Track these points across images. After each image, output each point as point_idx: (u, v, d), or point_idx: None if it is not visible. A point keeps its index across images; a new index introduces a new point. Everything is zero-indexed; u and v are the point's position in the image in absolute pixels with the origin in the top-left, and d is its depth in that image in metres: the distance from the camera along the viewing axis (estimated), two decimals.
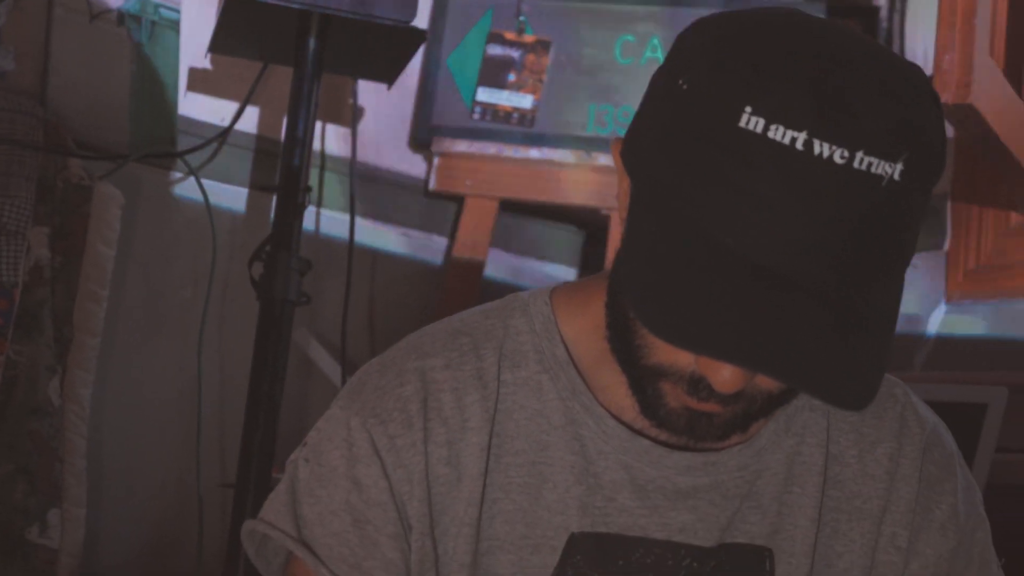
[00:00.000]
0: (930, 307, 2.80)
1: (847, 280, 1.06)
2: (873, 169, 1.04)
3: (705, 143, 1.05)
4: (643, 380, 1.15)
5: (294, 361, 2.34)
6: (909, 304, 2.82)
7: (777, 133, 1.03)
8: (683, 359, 1.12)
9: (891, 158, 1.04)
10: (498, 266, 2.91)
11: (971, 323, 2.76)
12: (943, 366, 2.71)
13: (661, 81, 1.12)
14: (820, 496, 1.26)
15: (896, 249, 1.08)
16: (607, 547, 1.22)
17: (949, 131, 2.77)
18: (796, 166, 1.03)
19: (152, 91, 2.56)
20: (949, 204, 2.83)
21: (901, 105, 1.05)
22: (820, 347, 1.05)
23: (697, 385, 1.12)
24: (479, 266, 2.89)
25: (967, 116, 2.41)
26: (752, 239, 1.04)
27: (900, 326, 2.95)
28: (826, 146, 1.03)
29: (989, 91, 2.41)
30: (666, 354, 1.13)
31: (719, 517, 1.23)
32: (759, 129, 1.04)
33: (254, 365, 2.28)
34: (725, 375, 1.08)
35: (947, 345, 2.77)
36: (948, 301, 2.80)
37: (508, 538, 1.22)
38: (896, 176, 1.04)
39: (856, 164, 1.03)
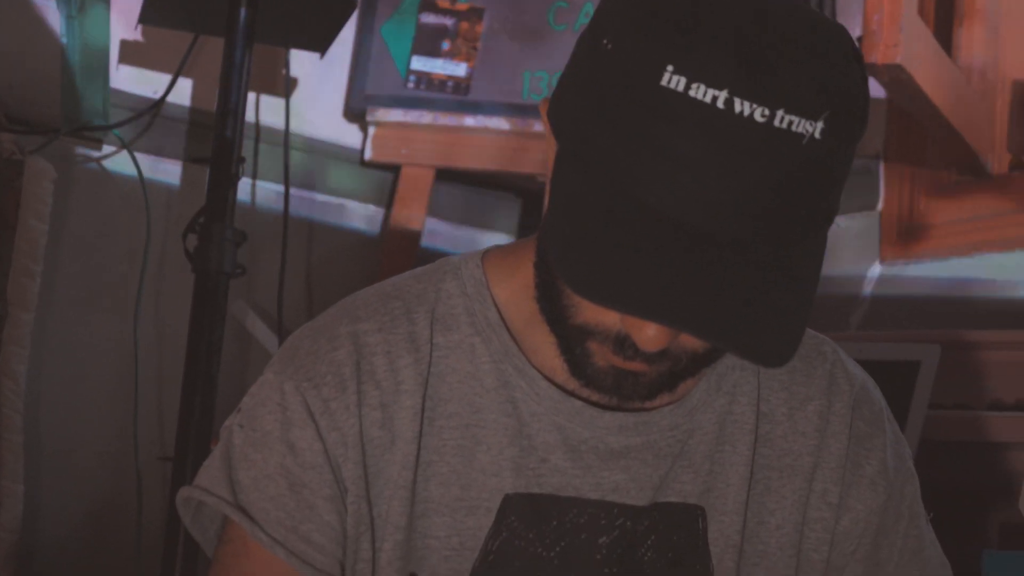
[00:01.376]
0: (864, 268, 2.82)
1: (769, 237, 1.07)
2: (794, 127, 1.04)
3: (628, 102, 1.06)
4: (571, 340, 1.16)
5: (231, 333, 2.34)
6: (844, 265, 2.84)
7: (698, 92, 1.04)
8: (609, 318, 1.13)
9: (812, 116, 1.04)
10: (435, 235, 2.91)
11: (905, 283, 2.78)
12: (878, 326, 2.74)
13: (586, 41, 1.12)
14: (751, 454, 1.27)
15: (818, 207, 1.08)
16: (541, 508, 1.23)
17: (880, 92, 2.78)
18: (717, 124, 1.04)
19: (83, 64, 2.54)
20: (882, 165, 2.85)
21: (823, 64, 1.06)
22: (742, 305, 1.06)
23: (623, 344, 1.13)
24: (416, 235, 2.89)
25: (897, 76, 2.43)
26: (674, 197, 1.05)
27: (836, 287, 2.98)
28: (747, 104, 1.03)
29: (918, 51, 2.43)
30: (592, 314, 1.14)
31: (652, 476, 1.24)
32: (681, 88, 1.04)
33: (190, 337, 2.27)
34: (649, 333, 1.09)
35: (882, 305, 2.79)
36: (882, 261, 2.82)
37: (443, 500, 1.23)
38: (817, 135, 1.05)
39: (777, 122, 1.04)
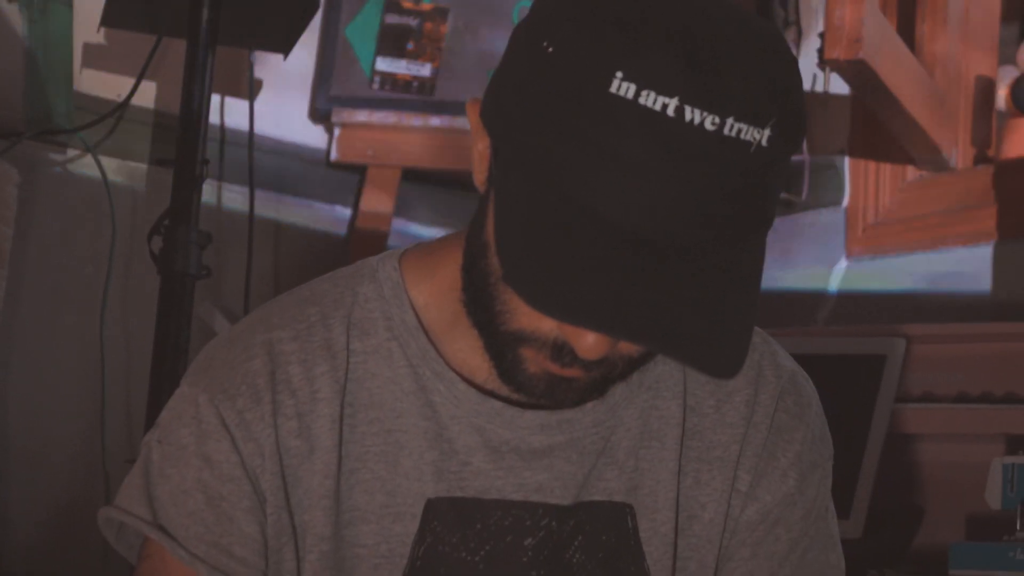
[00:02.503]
0: (831, 263, 2.83)
1: (716, 246, 1.06)
2: (743, 135, 1.04)
3: (575, 108, 1.05)
4: (502, 346, 1.15)
5: (199, 335, 2.33)
6: (810, 260, 2.85)
7: (648, 99, 1.03)
8: (546, 325, 1.12)
9: (760, 123, 1.05)
10: (403, 236, 2.91)
11: (872, 278, 2.79)
12: (845, 321, 2.75)
13: (523, 41, 1.11)
14: (680, 448, 1.26)
15: (761, 213, 1.08)
16: (464, 511, 1.22)
17: (844, 88, 2.79)
18: (667, 132, 1.03)
19: (46, 67, 2.53)
20: (847, 161, 2.86)
21: (768, 70, 1.06)
22: (689, 314, 1.05)
23: (560, 351, 1.12)
24: (383, 236, 2.89)
25: (860, 72, 2.43)
26: (623, 205, 1.04)
27: (802, 282, 2.98)
28: (697, 112, 1.03)
29: (881, 47, 2.44)
30: (529, 320, 1.13)
31: (575, 475, 1.23)
32: (630, 95, 1.04)
33: (156, 340, 2.27)
34: (590, 342, 1.08)
35: (849, 300, 2.80)
36: (849, 257, 2.83)
37: (369, 508, 1.22)
38: (764, 141, 1.05)
39: (727, 130, 1.04)
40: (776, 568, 1.29)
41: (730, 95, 1.03)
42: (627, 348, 1.13)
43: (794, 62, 1.09)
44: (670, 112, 1.03)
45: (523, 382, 1.16)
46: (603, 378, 1.16)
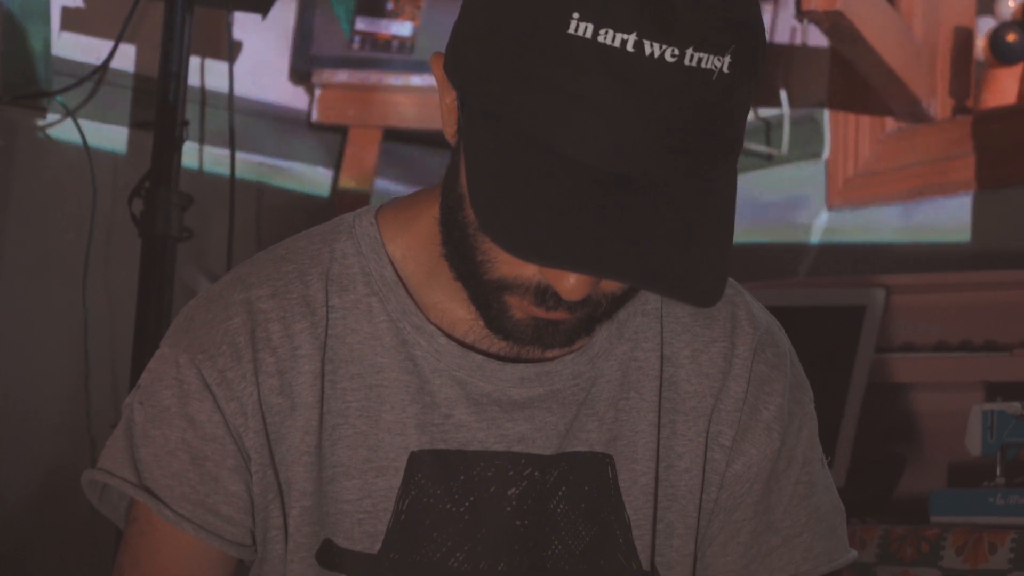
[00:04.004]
0: (812, 215, 2.84)
1: (687, 177, 1.07)
2: (703, 64, 1.05)
3: (535, 52, 1.06)
4: (487, 295, 1.16)
5: (182, 298, 2.33)
6: (791, 213, 2.86)
7: (607, 37, 1.04)
8: (528, 271, 1.13)
9: (719, 51, 1.06)
10: (385, 196, 2.91)
11: (852, 230, 2.79)
12: (827, 272, 2.75)
13: None
14: (658, 399, 1.27)
15: (729, 140, 1.09)
16: (447, 463, 1.23)
17: (822, 40, 2.79)
18: (628, 68, 1.04)
19: (24, 31, 2.52)
20: (826, 113, 2.86)
21: None
22: (665, 246, 1.07)
23: (544, 295, 1.14)
24: (365, 197, 2.89)
25: (837, 23, 2.43)
26: (590, 145, 1.05)
27: (783, 235, 2.98)
28: (656, 45, 1.04)
29: None
30: (510, 267, 1.13)
31: (557, 425, 1.24)
32: (588, 34, 1.04)
33: (139, 303, 2.27)
34: (571, 282, 1.09)
35: (829, 252, 2.80)
36: (830, 209, 2.83)
37: (351, 463, 1.23)
38: (725, 68, 1.06)
39: (687, 61, 1.05)
40: (778, 520, 1.30)
41: (687, 26, 1.04)
42: (609, 286, 1.14)
43: None
44: (629, 47, 1.04)
45: (511, 329, 1.17)
46: (589, 318, 1.17)
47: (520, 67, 1.07)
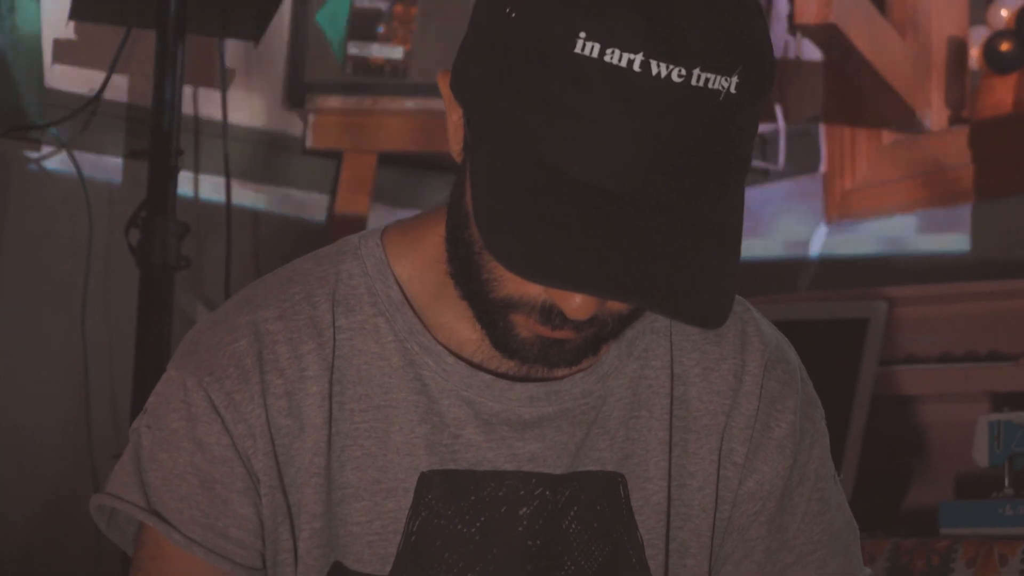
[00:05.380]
0: (810, 229, 2.84)
1: (693, 197, 1.07)
2: (710, 84, 1.05)
3: (542, 72, 1.06)
4: (493, 314, 1.15)
5: (181, 326, 2.33)
6: (790, 228, 2.86)
7: (614, 56, 1.04)
8: (533, 289, 1.12)
9: (726, 72, 1.05)
10: (381, 220, 2.90)
11: (851, 242, 2.80)
12: (827, 286, 2.75)
13: (486, 8, 1.11)
14: (669, 418, 1.26)
15: (736, 161, 1.09)
16: (458, 483, 1.22)
17: (816, 54, 2.80)
18: (634, 88, 1.04)
19: (16, 63, 2.52)
20: (822, 127, 2.86)
21: (729, 18, 1.06)
22: (670, 267, 1.06)
23: (549, 314, 1.13)
24: (362, 221, 2.89)
25: (831, 36, 2.44)
26: (596, 165, 1.05)
27: (782, 250, 2.99)
28: (663, 66, 1.04)
29: (851, 10, 2.44)
30: (516, 286, 1.13)
31: (568, 444, 1.23)
32: (595, 54, 1.04)
33: (138, 332, 2.27)
34: (577, 302, 1.09)
35: (830, 265, 2.81)
36: (828, 222, 2.84)
37: (360, 484, 1.22)
38: (732, 89, 1.05)
39: (694, 81, 1.04)
40: (792, 537, 1.29)
41: (694, 46, 1.04)
42: (616, 306, 1.14)
43: (757, 9, 1.10)
44: (636, 67, 1.04)
45: (516, 348, 1.16)
46: (595, 337, 1.16)
47: (526, 86, 1.06)
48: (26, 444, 2.50)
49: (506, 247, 1.06)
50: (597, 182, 1.05)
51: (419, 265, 1.24)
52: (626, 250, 1.05)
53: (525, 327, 1.15)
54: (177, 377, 1.23)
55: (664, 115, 1.04)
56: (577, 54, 1.04)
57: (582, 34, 1.04)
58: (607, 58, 1.04)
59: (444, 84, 1.15)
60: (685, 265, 1.06)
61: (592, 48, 1.04)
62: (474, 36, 1.12)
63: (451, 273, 1.18)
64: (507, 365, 1.22)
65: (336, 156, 2.90)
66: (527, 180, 1.06)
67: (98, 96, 2.58)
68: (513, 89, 1.07)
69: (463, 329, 1.22)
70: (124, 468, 1.25)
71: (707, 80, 1.04)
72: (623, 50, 1.03)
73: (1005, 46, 2.66)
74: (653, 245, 1.05)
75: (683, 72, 1.04)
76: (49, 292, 2.56)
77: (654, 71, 1.04)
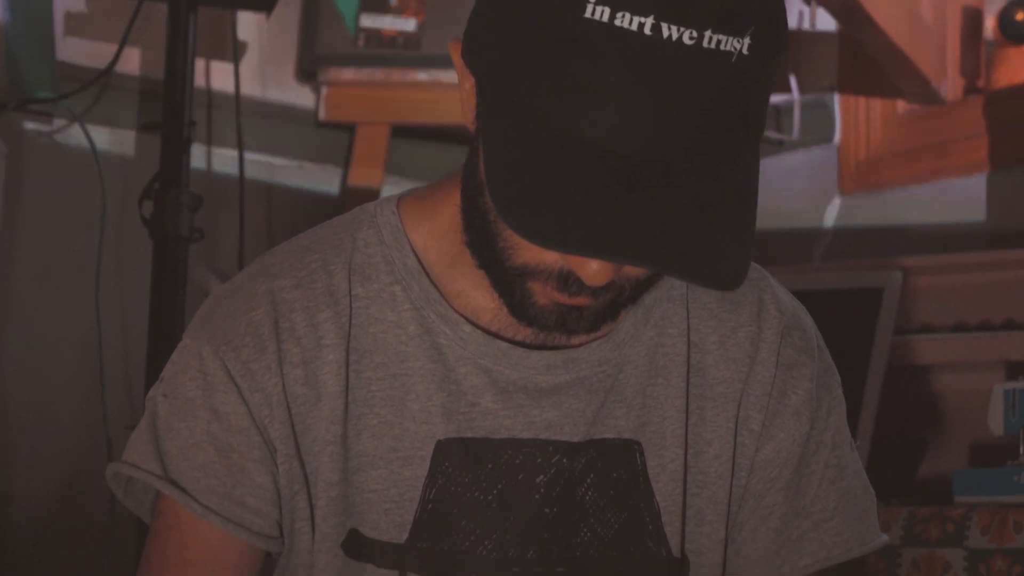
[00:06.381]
0: (825, 201, 2.83)
1: (706, 160, 1.06)
2: (722, 46, 1.04)
3: (552, 38, 1.05)
4: (510, 282, 1.15)
5: (196, 298, 2.33)
6: (804, 199, 2.85)
7: (624, 20, 1.03)
8: (550, 257, 1.12)
9: (739, 33, 1.04)
10: (394, 192, 2.90)
11: (866, 213, 2.79)
12: (842, 257, 2.75)
13: None
14: (686, 386, 1.26)
15: (751, 123, 1.08)
16: (475, 451, 1.22)
17: (831, 24, 2.78)
18: (646, 51, 1.03)
19: (28, 37, 2.51)
20: (836, 97, 2.85)
21: None
22: (684, 230, 1.06)
23: (566, 281, 1.13)
24: (375, 194, 2.88)
25: (846, 6, 2.43)
26: (608, 130, 1.04)
27: (797, 221, 2.99)
28: (674, 28, 1.03)
29: None
30: (532, 254, 1.13)
31: (585, 412, 1.23)
32: (605, 18, 1.03)
33: (152, 303, 2.27)
34: (594, 268, 1.08)
35: (844, 236, 2.80)
36: (842, 193, 2.83)
37: (377, 453, 1.22)
38: (744, 51, 1.05)
39: (706, 43, 1.04)
40: (808, 504, 1.29)
41: (704, 7, 1.03)
42: (632, 271, 1.13)
43: None
44: (647, 31, 1.03)
45: (535, 316, 1.16)
46: (613, 303, 1.16)
47: (536, 52, 1.06)
48: (41, 417, 2.50)
49: (520, 216, 1.05)
50: (610, 148, 1.05)
51: (435, 234, 1.24)
52: (641, 215, 1.04)
53: (543, 294, 1.15)
54: (193, 346, 1.24)
55: (676, 79, 1.04)
56: (587, 19, 1.04)
57: None
58: (617, 22, 1.03)
59: (456, 53, 1.15)
60: (701, 228, 1.06)
61: (602, 12, 1.03)
62: (483, 3, 1.12)
63: (467, 242, 1.18)
64: (524, 333, 1.22)
65: (349, 128, 2.90)
66: (539, 148, 1.06)
67: (110, 69, 2.57)
68: (523, 56, 1.06)
69: (479, 297, 1.22)
70: (140, 437, 1.25)
71: (719, 42, 1.04)
72: (633, 13, 1.03)
73: (1021, 15, 2.65)
74: (668, 209, 1.05)
75: (694, 34, 1.03)
76: (62, 264, 2.56)
77: (665, 34, 1.03)
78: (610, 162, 1.05)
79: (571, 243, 1.05)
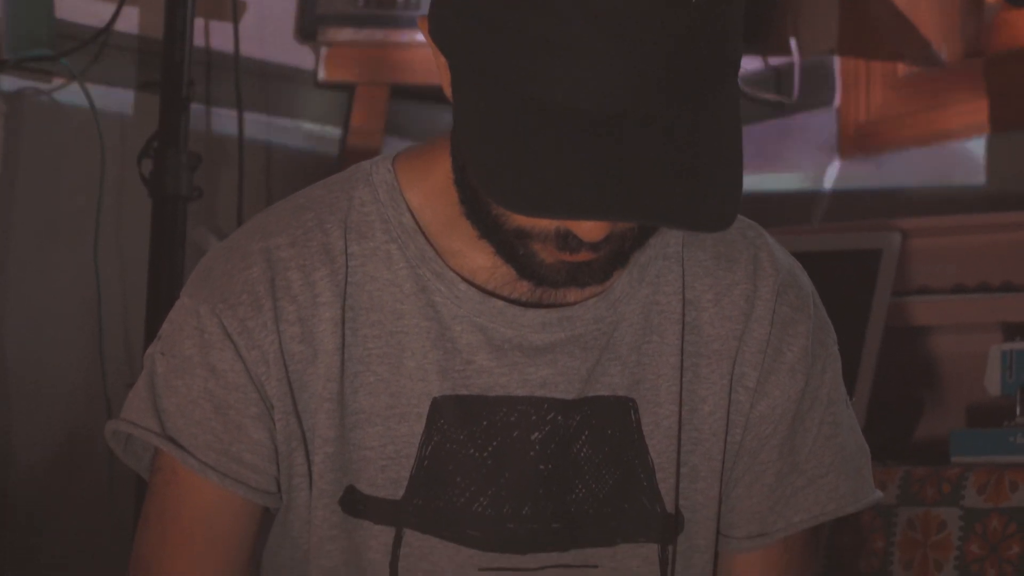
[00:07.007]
0: (824, 163, 2.83)
1: (680, 105, 1.06)
2: None
3: (510, 4, 1.05)
4: (512, 246, 1.16)
5: (194, 257, 2.33)
6: (804, 162, 2.85)
7: None
8: (544, 220, 1.12)
9: None
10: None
11: (865, 176, 2.79)
12: (841, 219, 2.74)
13: None
14: (680, 343, 1.26)
15: (721, 62, 1.08)
16: (470, 408, 1.23)
17: None
18: (605, 5, 1.03)
19: None
20: (836, 61, 2.85)
21: None
22: (667, 178, 1.05)
23: (566, 240, 1.13)
24: (374, 154, 2.88)
25: None
26: (578, 89, 1.04)
27: (796, 183, 2.98)
28: None
29: None
30: (525, 218, 1.13)
31: (579, 369, 1.24)
32: None
33: (151, 262, 2.28)
34: (589, 225, 1.09)
35: (843, 199, 2.80)
36: (842, 156, 2.83)
37: (373, 410, 1.23)
38: None
39: None
40: (803, 461, 1.29)
41: None
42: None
43: None
44: None
45: (544, 274, 1.17)
46: (619, 251, 1.16)
47: (498, 19, 1.06)
48: (40, 375, 2.51)
49: (502, 188, 1.05)
50: (583, 106, 1.04)
51: (430, 192, 1.24)
52: (622, 169, 1.04)
53: (547, 253, 1.15)
54: (190, 304, 1.24)
55: (639, 28, 1.03)
56: None
57: None
58: None
59: (424, 28, 1.15)
60: (682, 173, 1.06)
61: None
62: None
63: (465, 214, 1.18)
64: (520, 291, 1.22)
65: (349, 89, 2.89)
66: (513, 116, 1.05)
67: (109, 27, 2.56)
68: (485, 26, 1.06)
69: (475, 256, 1.22)
70: (139, 394, 1.25)
71: None
72: None
73: None
74: (646, 159, 1.05)
75: None
76: (61, 223, 2.56)
77: None
78: (583, 120, 1.04)
79: (551, 208, 1.05)
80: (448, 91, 1.14)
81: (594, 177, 1.04)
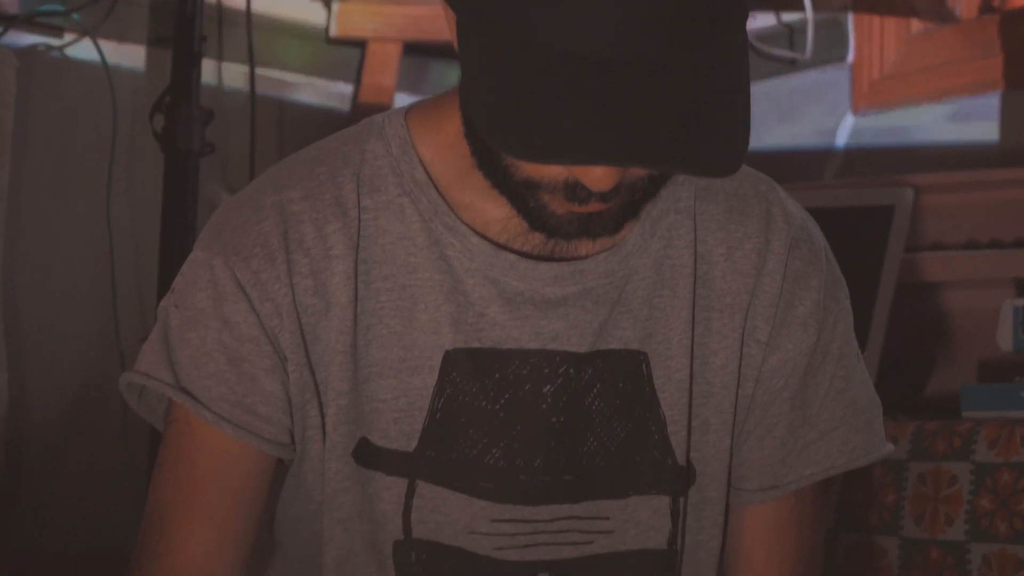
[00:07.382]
0: (837, 119, 2.82)
1: (685, 49, 1.05)
2: None
3: None
4: (523, 196, 1.15)
5: (206, 212, 2.33)
6: (816, 117, 2.84)
7: None
8: (553, 169, 1.12)
9: None
10: None
11: (878, 132, 2.78)
12: (854, 175, 2.74)
13: None
14: (692, 296, 1.26)
15: (728, 5, 1.06)
16: (482, 361, 1.23)
17: None
18: None
19: None
20: (850, 16, 2.83)
21: None
22: (671, 122, 1.04)
23: (574, 190, 1.13)
24: (386, 110, 2.88)
25: None
26: (580, 34, 1.04)
27: (808, 139, 2.97)
28: None
29: None
30: (534, 168, 1.13)
31: (591, 322, 1.24)
32: None
33: (163, 216, 2.29)
34: (597, 174, 1.08)
35: (856, 155, 2.79)
36: (855, 112, 2.82)
37: (386, 362, 1.23)
38: None
39: None
40: (815, 414, 1.30)
41: None
42: (639, 170, 1.13)
43: None
44: None
45: (555, 226, 1.16)
46: (629, 202, 1.16)
47: None
48: (54, 330, 2.52)
49: (508, 136, 1.05)
50: (585, 52, 1.04)
51: (443, 146, 1.24)
52: (628, 113, 1.04)
53: (557, 204, 1.15)
54: (204, 257, 1.24)
55: None
56: None
57: None
58: None
59: None
60: (687, 118, 1.05)
61: None
62: None
63: (476, 165, 1.18)
64: (532, 244, 1.22)
65: (360, 45, 2.89)
66: (517, 65, 1.05)
67: None
68: None
69: (488, 209, 1.22)
70: (153, 347, 1.26)
71: None
72: None
73: None
74: (650, 104, 1.04)
75: None
76: (74, 179, 2.57)
77: None
78: (586, 66, 1.04)
79: (556, 153, 1.05)
80: (456, 45, 1.14)
81: (600, 121, 1.03)
